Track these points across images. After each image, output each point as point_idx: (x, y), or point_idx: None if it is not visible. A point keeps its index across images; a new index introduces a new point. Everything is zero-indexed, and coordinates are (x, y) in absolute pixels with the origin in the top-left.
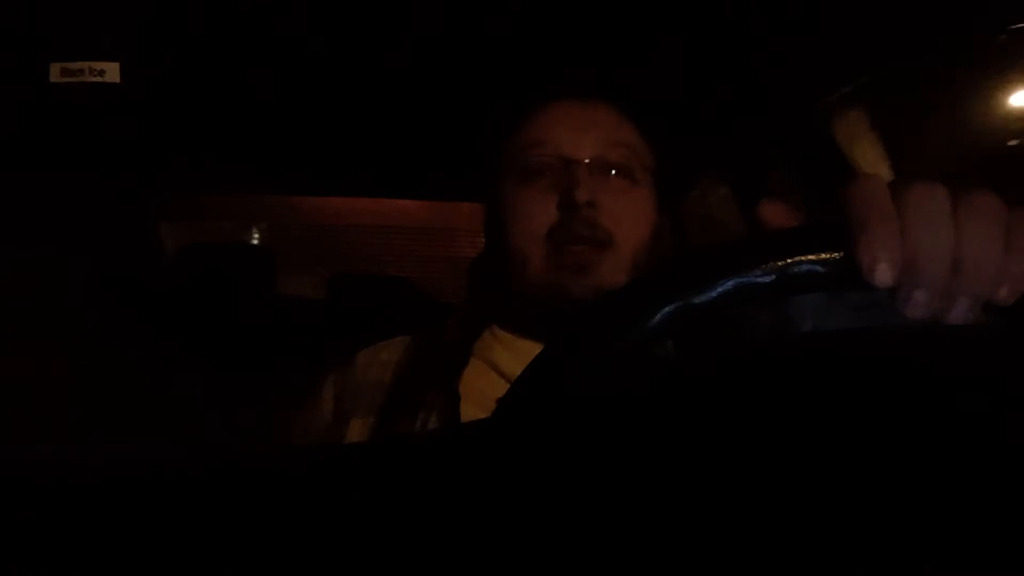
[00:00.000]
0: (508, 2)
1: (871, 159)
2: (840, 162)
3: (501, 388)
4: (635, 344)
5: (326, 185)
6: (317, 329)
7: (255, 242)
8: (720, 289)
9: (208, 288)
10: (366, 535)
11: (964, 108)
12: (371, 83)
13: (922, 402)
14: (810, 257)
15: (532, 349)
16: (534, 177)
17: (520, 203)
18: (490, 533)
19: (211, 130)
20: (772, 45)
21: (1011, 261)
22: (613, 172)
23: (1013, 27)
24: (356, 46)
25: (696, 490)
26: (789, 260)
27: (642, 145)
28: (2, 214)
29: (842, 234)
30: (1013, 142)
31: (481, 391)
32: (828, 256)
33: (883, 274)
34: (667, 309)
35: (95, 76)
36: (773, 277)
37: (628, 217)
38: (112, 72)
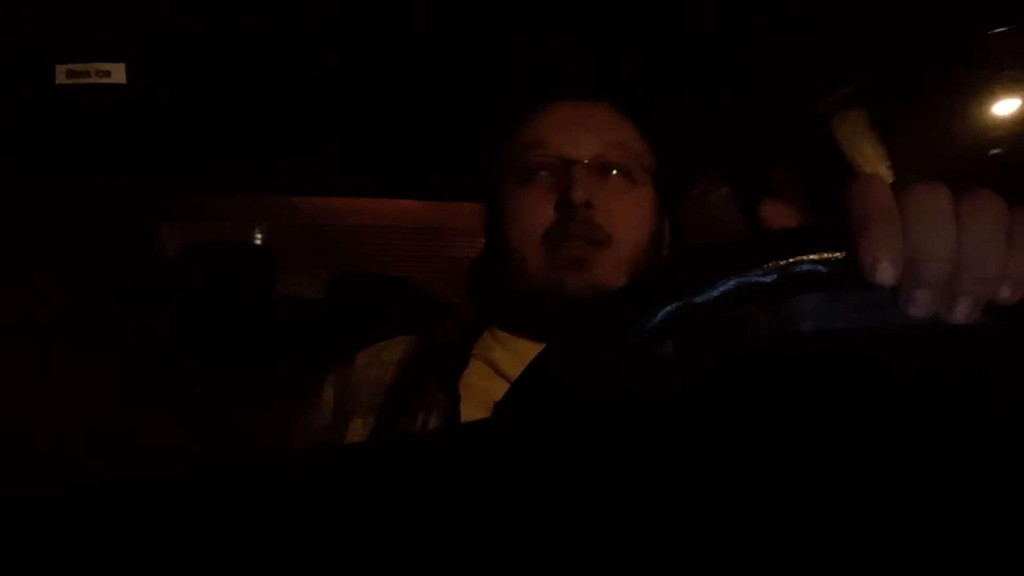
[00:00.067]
0: (508, 2)
1: (871, 159)
2: (840, 162)
3: (501, 388)
4: (635, 344)
5: (326, 185)
6: (317, 329)
7: (255, 242)
8: (722, 289)
9: (208, 288)
10: (366, 535)
11: (965, 108)
12: (371, 83)
13: (923, 402)
14: (812, 257)
15: (532, 349)
16: (533, 177)
17: (519, 203)
18: (490, 533)
19: (212, 130)
20: (772, 45)
21: (1012, 261)
22: (613, 172)
23: (1013, 27)
24: (356, 46)
25: (696, 490)
26: (791, 260)
27: (642, 145)
28: (2, 214)
29: (843, 234)
30: (1014, 143)
31: (481, 391)
32: (830, 256)
33: (885, 274)
34: (668, 309)
35: (101, 77)
36: (775, 277)
37: (627, 217)
38: (118, 73)
